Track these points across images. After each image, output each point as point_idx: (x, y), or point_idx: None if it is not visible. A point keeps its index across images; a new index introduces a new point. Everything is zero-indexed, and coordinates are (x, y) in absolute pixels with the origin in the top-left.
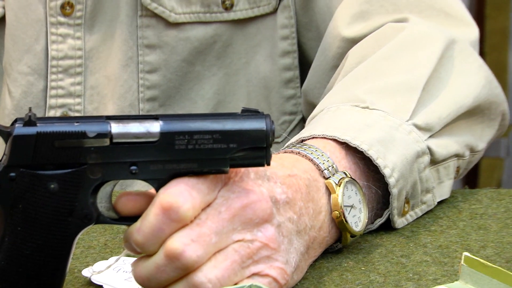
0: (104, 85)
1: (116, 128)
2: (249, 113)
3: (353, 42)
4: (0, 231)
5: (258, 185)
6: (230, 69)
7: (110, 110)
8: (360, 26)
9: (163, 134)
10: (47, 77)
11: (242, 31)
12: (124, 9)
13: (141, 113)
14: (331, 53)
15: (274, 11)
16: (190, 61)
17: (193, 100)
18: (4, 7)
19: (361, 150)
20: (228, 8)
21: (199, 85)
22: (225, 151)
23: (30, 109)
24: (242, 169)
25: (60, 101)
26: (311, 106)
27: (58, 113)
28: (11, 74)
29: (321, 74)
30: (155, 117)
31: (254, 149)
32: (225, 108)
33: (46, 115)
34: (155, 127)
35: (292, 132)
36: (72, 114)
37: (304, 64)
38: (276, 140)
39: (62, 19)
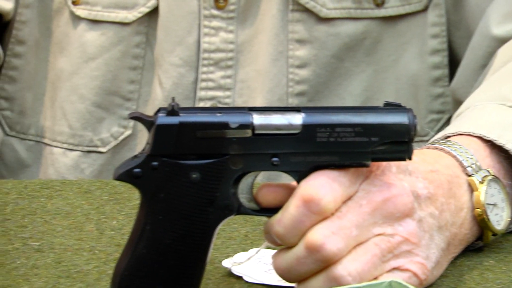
0: (254, 78)
1: (258, 119)
2: (391, 107)
3: (503, 41)
4: (141, 220)
5: (400, 179)
6: (379, 66)
7: (259, 104)
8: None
9: (305, 126)
10: (198, 69)
11: (392, 28)
12: (276, 3)
13: None
14: (481, 52)
15: (425, 8)
16: (339, 57)
17: (341, 96)
18: None
19: (506, 149)
20: (379, 4)
21: (347, 81)
22: (366, 144)
23: (173, 99)
24: (384, 163)
25: (210, 93)
26: (459, 104)
27: (207, 105)
28: (163, 65)
29: (469, 72)
30: (297, 109)
31: (396, 143)
32: (373, 105)
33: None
34: (297, 119)
35: (440, 131)
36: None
37: (453, 62)
38: (422, 138)
39: (215, 12)
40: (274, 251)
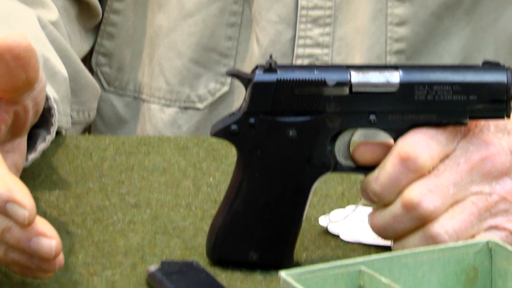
0: (353, 36)
1: (355, 77)
2: (490, 65)
3: None
4: (238, 177)
5: (498, 138)
6: (478, 24)
7: (357, 62)
8: None
9: (402, 84)
10: (295, 26)
11: None
12: None
13: None
14: None
15: None
16: (438, 15)
17: (440, 54)
18: None
19: None
20: None
21: (446, 40)
22: (464, 103)
23: (270, 56)
24: (482, 122)
25: (308, 51)
26: None
27: (305, 62)
28: (260, 23)
29: None
30: (395, 67)
31: (494, 102)
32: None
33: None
34: (395, 77)
35: None
36: (319, 64)
37: None
38: None
39: None
40: (371, 209)
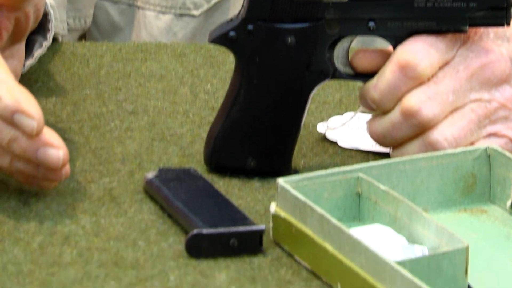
0: None
1: None
2: None
3: None
4: (236, 84)
5: (498, 45)
6: None
7: None
8: None
9: None
10: None
11: None
12: None
13: None
14: None
15: None
16: None
17: None
18: None
19: None
20: None
21: None
22: (464, 10)
23: None
24: (482, 29)
25: None
26: None
27: None
28: None
29: None
30: None
31: (494, 9)
32: None
33: None
34: None
35: None
36: None
37: None
38: None
39: None
40: (369, 115)
